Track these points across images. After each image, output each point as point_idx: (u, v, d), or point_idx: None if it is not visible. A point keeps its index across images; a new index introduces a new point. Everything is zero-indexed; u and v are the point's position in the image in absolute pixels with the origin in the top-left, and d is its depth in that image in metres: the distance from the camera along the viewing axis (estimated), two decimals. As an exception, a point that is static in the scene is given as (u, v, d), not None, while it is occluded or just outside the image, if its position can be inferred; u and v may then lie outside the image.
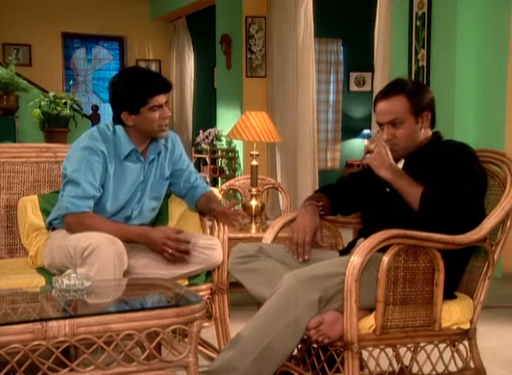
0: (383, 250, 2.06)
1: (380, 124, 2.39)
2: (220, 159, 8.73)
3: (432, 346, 2.21)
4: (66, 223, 2.59)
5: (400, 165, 2.43)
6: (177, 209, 2.95)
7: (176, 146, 2.86)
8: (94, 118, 8.06)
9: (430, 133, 2.42)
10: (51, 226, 2.79)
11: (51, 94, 7.43)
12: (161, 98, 2.64)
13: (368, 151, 2.34)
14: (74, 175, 2.59)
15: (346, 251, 2.45)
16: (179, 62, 10.68)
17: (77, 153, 2.64)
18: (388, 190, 2.41)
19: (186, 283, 2.69)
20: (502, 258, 4.62)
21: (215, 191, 2.97)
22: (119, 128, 2.71)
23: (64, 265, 2.52)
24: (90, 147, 2.63)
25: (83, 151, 2.63)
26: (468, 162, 2.26)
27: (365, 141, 8.99)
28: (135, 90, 2.62)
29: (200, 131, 8.78)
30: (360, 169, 2.78)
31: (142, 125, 2.66)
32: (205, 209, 2.86)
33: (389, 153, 2.32)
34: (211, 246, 2.72)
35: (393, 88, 2.38)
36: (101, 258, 2.35)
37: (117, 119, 2.69)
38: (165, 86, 2.67)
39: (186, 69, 10.56)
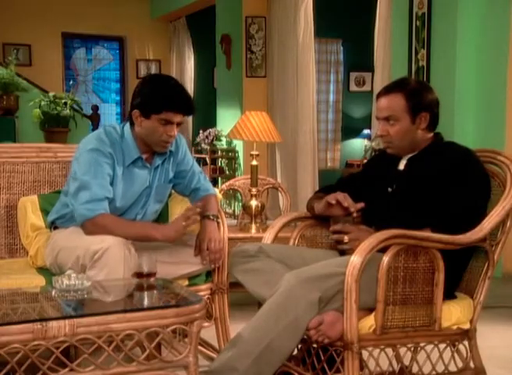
0: (383, 250, 2.06)
1: (378, 119, 2.43)
2: (220, 159, 8.72)
3: (431, 346, 2.21)
4: (86, 229, 2.53)
5: (402, 166, 2.43)
6: (177, 209, 2.95)
7: (180, 147, 2.82)
8: (94, 118, 8.04)
9: (431, 134, 2.42)
10: (52, 225, 2.77)
11: (51, 94, 7.40)
12: (176, 117, 2.60)
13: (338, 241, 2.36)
14: (85, 178, 2.55)
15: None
16: (179, 62, 10.67)
17: (86, 155, 2.59)
18: (390, 190, 2.41)
19: (186, 283, 2.70)
20: (502, 258, 4.61)
21: (215, 191, 2.97)
22: (127, 133, 2.67)
23: (66, 265, 2.51)
24: (98, 149, 2.59)
25: (91, 152, 2.59)
26: (473, 168, 2.28)
27: (365, 141, 8.96)
28: (156, 97, 2.58)
29: (200, 131, 8.77)
30: (360, 170, 2.79)
31: (145, 131, 2.62)
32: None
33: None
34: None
35: (395, 86, 2.41)
36: (110, 263, 2.34)
37: (129, 116, 2.67)
38: (185, 108, 2.63)
39: (186, 69, 10.55)
